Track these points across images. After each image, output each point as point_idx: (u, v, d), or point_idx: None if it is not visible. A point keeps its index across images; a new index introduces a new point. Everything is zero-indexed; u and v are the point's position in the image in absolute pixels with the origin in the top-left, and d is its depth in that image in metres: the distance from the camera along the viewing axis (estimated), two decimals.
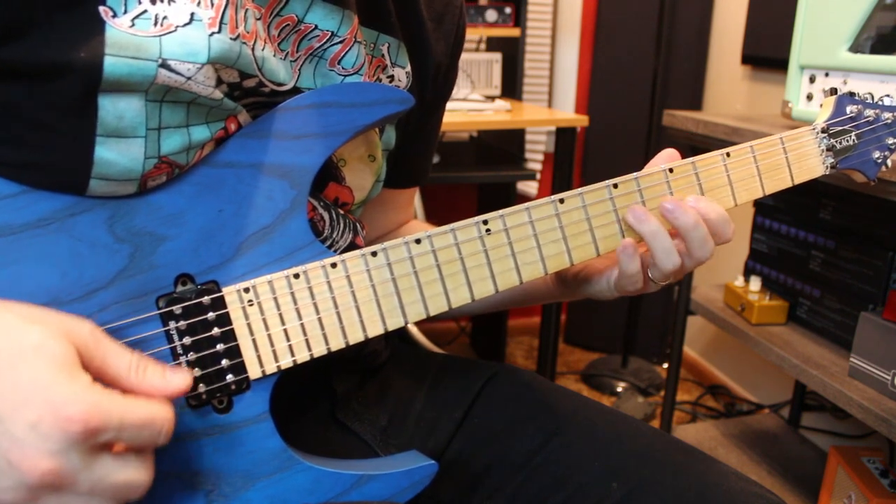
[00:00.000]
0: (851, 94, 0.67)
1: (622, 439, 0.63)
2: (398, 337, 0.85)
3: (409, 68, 0.63)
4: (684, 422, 1.95)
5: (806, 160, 0.63)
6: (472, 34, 2.02)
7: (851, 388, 1.06)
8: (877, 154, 0.66)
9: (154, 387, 0.43)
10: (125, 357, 0.43)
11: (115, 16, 0.43)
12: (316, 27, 0.55)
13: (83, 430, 0.38)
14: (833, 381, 1.09)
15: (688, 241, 0.56)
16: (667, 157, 0.58)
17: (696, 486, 0.57)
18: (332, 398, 0.70)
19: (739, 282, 1.42)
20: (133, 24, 0.43)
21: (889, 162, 0.67)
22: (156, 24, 0.44)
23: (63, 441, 0.37)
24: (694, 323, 2.19)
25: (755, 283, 1.38)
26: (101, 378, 0.42)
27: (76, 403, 0.37)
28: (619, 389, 2.11)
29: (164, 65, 0.44)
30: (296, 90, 0.54)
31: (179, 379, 0.45)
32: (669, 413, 1.58)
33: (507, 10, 1.89)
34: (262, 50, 0.51)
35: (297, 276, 0.51)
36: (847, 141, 0.65)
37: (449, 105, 0.75)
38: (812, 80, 1.09)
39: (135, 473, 0.41)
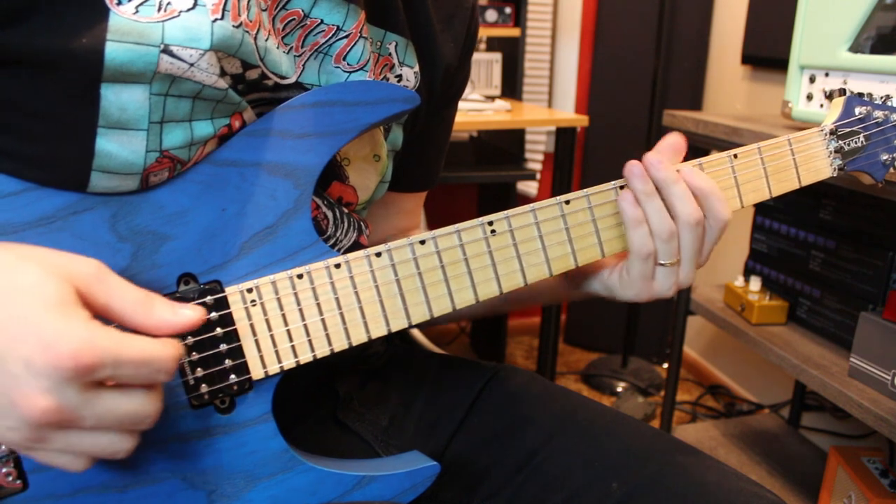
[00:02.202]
0: (860, 94, 0.67)
1: (622, 439, 0.63)
2: (399, 337, 0.85)
3: (417, 68, 0.63)
4: (684, 422, 1.95)
5: (813, 162, 0.63)
6: None
7: (851, 388, 1.06)
8: (885, 156, 0.66)
9: (163, 320, 0.42)
10: (131, 293, 0.42)
11: (119, 3, 0.43)
12: (322, 21, 0.54)
13: (74, 367, 0.37)
14: (833, 381, 1.09)
15: (668, 196, 0.54)
16: (671, 143, 0.57)
17: (696, 485, 0.57)
18: (333, 399, 0.69)
19: (739, 282, 1.42)
20: (137, 11, 0.43)
21: None
22: (159, 10, 0.44)
23: (56, 378, 0.37)
24: (694, 323, 2.19)
25: (755, 283, 1.38)
26: (107, 315, 0.41)
27: (67, 340, 0.37)
28: (619, 389, 2.11)
29: (166, 50, 0.44)
30: (299, 85, 0.54)
31: (189, 312, 0.43)
32: (669, 413, 1.58)
33: (507, 10, 1.89)
34: (266, 40, 0.50)
35: (300, 276, 0.50)
36: (855, 143, 0.65)
37: None
38: (812, 80, 1.09)
39: (141, 404, 0.41)
